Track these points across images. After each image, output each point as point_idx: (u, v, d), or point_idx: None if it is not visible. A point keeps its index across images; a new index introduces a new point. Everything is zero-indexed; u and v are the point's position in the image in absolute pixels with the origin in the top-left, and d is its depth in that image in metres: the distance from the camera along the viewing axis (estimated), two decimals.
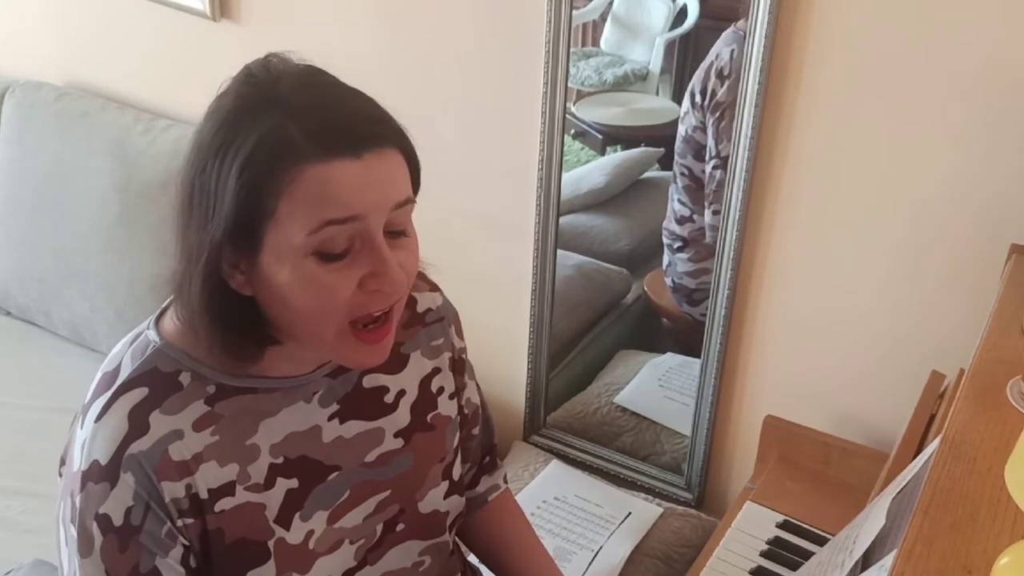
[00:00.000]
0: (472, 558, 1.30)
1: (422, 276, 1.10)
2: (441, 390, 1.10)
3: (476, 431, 1.20)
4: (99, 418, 0.90)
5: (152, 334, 0.94)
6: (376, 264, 0.86)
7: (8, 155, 2.19)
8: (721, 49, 1.64)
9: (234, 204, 0.82)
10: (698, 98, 1.69)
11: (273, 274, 0.85)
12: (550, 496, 1.78)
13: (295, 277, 0.85)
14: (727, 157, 1.54)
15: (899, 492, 0.97)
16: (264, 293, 0.87)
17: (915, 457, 1.14)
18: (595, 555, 1.64)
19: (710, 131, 1.69)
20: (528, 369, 1.92)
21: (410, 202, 0.88)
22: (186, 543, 0.92)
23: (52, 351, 2.14)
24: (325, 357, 0.97)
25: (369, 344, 0.91)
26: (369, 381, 1.03)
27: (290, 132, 0.82)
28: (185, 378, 0.92)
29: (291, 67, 0.88)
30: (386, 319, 0.91)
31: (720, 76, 1.64)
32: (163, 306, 0.98)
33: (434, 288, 1.13)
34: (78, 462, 0.90)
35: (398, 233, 0.89)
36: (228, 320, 0.88)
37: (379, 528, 1.05)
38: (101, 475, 0.88)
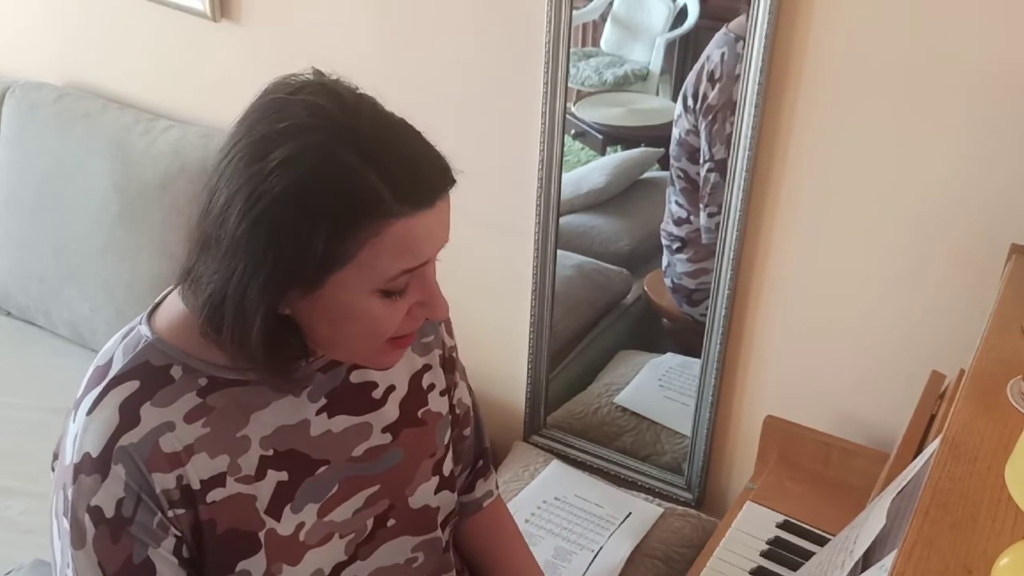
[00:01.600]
0: None
1: None
2: (432, 387, 1.11)
3: (468, 432, 1.21)
4: (90, 411, 0.91)
5: (144, 329, 0.95)
6: (427, 296, 0.91)
7: (8, 155, 2.19)
8: (712, 52, 1.64)
9: (316, 254, 0.83)
10: (690, 101, 1.69)
11: (328, 307, 0.87)
12: (550, 496, 1.78)
13: (354, 312, 0.88)
14: (722, 160, 1.54)
15: (899, 492, 0.97)
16: (312, 317, 0.89)
17: (915, 457, 1.14)
18: (595, 555, 1.64)
19: (703, 135, 1.69)
20: (528, 369, 1.92)
21: None
22: (178, 533, 0.93)
23: (52, 351, 2.14)
24: (345, 362, 1.01)
25: (397, 349, 0.96)
26: (357, 376, 1.03)
27: (374, 186, 0.83)
28: (176, 372, 0.93)
29: (358, 101, 0.87)
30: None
31: (711, 79, 1.64)
32: (156, 301, 0.98)
33: None
34: (70, 455, 0.91)
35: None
36: (277, 344, 0.90)
37: (370, 523, 1.05)
38: (92, 467, 0.89)
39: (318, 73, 0.89)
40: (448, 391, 1.14)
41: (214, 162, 0.88)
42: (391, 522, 1.07)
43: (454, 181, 0.89)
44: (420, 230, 0.86)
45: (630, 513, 1.73)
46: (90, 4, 2.19)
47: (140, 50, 2.17)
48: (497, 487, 1.29)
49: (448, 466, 1.13)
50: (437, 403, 1.11)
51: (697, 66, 1.67)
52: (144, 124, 2.09)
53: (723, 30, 1.60)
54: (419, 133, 0.90)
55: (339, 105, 0.85)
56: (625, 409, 1.93)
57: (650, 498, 1.79)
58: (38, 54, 2.33)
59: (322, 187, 0.82)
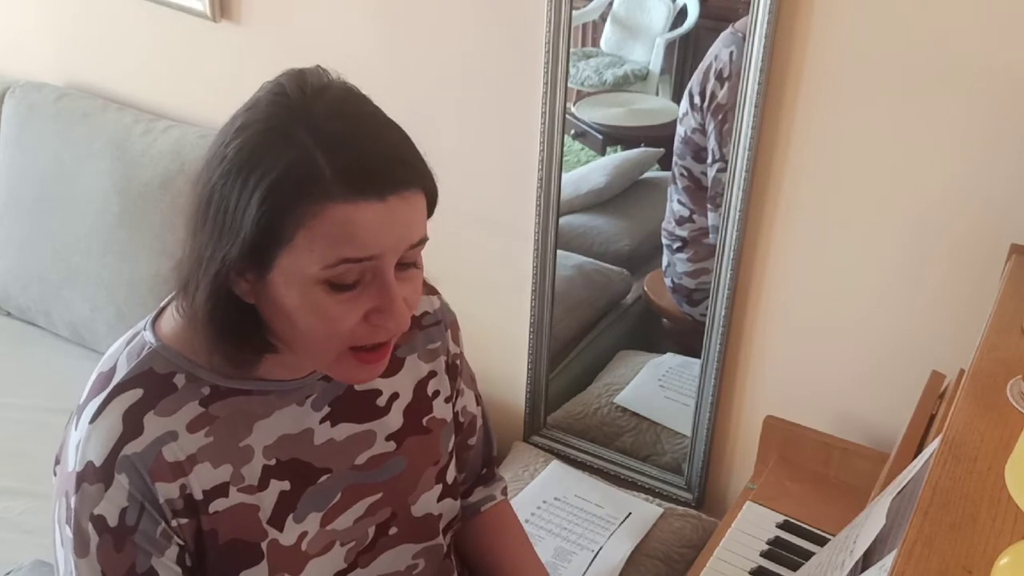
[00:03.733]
0: None
1: None
2: (437, 393, 1.10)
3: (473, 441, 1.20)
4: (94, 419, 0.90)
5: (148, 335, 0.94)
6: (383, 301, 0.87)
7: (8, 155, 2.19)
8: (720, 51, 1.64)
9: (252, 226, 0.82)
10: (697, 100, 1.69)
11: (281, 294, 0.86)
12: (550, 496, 1.78)
13: (302, 302, 0.85)
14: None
15: (899, 492, 0.97)
16: (268, 307, 0.88)
17: (915, 457, 1.14)
18: (595, 555, 1.64)
19: (712, 134, 1.68)
20: (528, 369, 1.92)
21: (424, 241, 0.89)
22: (181, 543, 0.92)
23: (52, 351, 2.14)
24: (313, 368, 0.98)
25: (365, 364, 0.91)
26: (362, 384, 1.03)
27: (319, 165, 0.81)
28: (180, 380, 0.92)
29: (327, 87, 0.86)
30: (384, 345, 0.92)
31: (720, 78, 1.64)
32: (160, 306, 0.98)
33: (432, 291, 1.12)
34: (73, 463, 0.90)
35: (408, 265, 0.89)
36: (230, 327, 0.88)
37: (371, 531, 1.05)
38: (95, 476, 0.89)
39: (316, 66, 0.88)
40: (452, 398, 1.13)
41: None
42: (393, 530, 1.07)
43: (419, 180, 0.86)
44: (364, 220, 0.82)
45: (630, 513, 1.73)
46: (90, 4, 2.19)
47: (140, 50, 2.17)
48: (504, 493, 1.27)
49: (452, 474, 1.12)
50: (441, 410, 1.10)
51: (703, 65, 1.67)
52: (144, 124, 2.09)
53: (729, 29, 1.60)
54: (396, 128, 0.87)
55: (300, 87, 0.85)
56: (625, 409, 1.93)
57: (650, 498, 1.79)
58: (38, 54, 2.33)
59: (265, 158, 0.82)
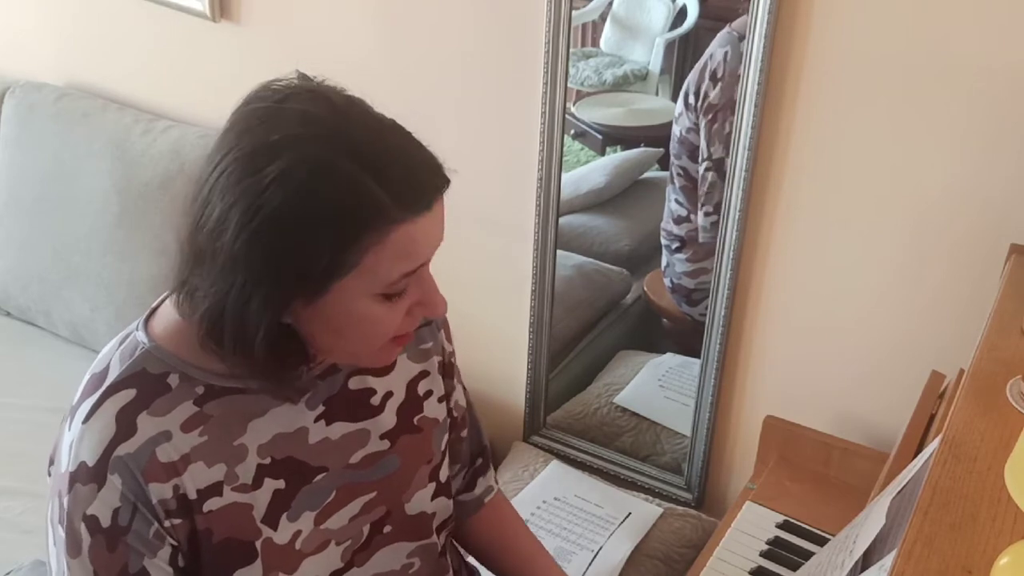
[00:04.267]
0: (472, 559, 1.30)
1: None
2: (429, 393, 1.10)
3: (464, 433, 1.20)
4: (87, 419, 0.90)
5: (141, 336, 0.94)
6: (426, 295, 0.92)
7: (8, 155, 2.19)
8: (715, 50, 1.64)
9: (316, 267, 0.83)
10: (692, 99, 1.69)
11: (331, 314, 0.87)
12: (550, 496, 1.78)
13: (357, 316, 0.88)
14: (719, 159, 1.54)
15: (899, 492, 0.97)
16: (313, 324, 0.89)
17: (915, 457, 1.14)
18: (595, 555, 1.64)
19: (702, 133, 1.69)
20: (528, 369, 1.92)
21: None
22: (174, 543, 0.92)
23: (52, 352, 2.14)
24: (345, 364, 1.01)
25: (397, 347, 0.96)
26: (355, 383, 1.03)
27: (375, 194, 0.82)
28: (174, 380, 0.92)
29: (347, 105, 0.86)
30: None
31: (713, 78, 1.64)
32: (152, 307, 0.98)
33: None
34: (66, 463, 0.90)
35: None
36: (280, 354, 0.89)
37: (366, 529, 1.05)
38: (88, 477, 0.89)
39: (303, 77, 0.87)
40: (446, 397, 1.13)
41: (201, 173, 0.85)
42: (387, 528, 1.07)
43: (449, 181, 0.88)
44: (419, 234, 0.86)
45: (630, 513, 1.73)
46: (90, 4, 2.19)
47: (140, 50, 2.17)
48: (496, 482, 1.28)
49: (445, 473, 1.13)
50: (434, 409, 1.11)
51: (699, 64, 1.67)
52: (144, 124, 2.09)
53: (726, 29, 1.60)
54: (410, 134, 0.89)
55: (330, 111, 0.84)
56: (625, 409, 1.93)
57: (650, 498, 1.79)
58: (38, 54, 2.33)
59: (322, 199, 0.81)
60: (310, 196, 0.81)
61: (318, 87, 0.87)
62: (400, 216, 0.83)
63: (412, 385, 1.08)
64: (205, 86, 2.10)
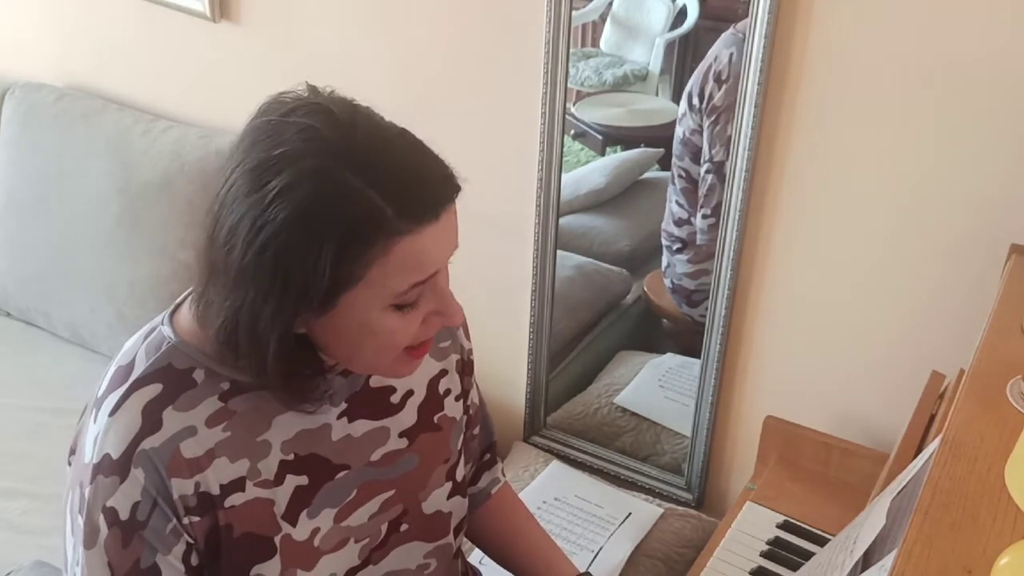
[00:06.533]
0: (472, 559, 1.31)
1: None
2: (448, 392, 1.11)
3: (476, 431, 1.21)
4: (113, 412, 0.91)
5: (167, 330, 0.95)
6: (441, 304, 0.91)
7: (8, 156, 2.19)
8: (720, 52, 1.64)
9: (324, 281, 0.83)
10: (695, 101, 1.69)
11: (343, 325, 0.87)
12: (550, 497, 1.78)
13: (370, 327, 0.88)
14: (720, 162, 1.53)
15: (899, 492, 0.97)
16: (327, 336, 0.89)
17: (915, 457, 1.14)
18: (595, 555, 1.64)
19: (705, 135, 1.68)
20: (528, 370, 1.92)
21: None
22: (190, 540, 0.93)
23: (52, 352, 2.14)
24: (362, 373, 1.01)
25: (416, 359, 0.95)
26: (376, 381, 1.03)
27: (379, 207, 0.82)
28: (199, 375, 0.93)
29: (352, 116, 0.85)
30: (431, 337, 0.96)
31: (718, 80, 1.64)
32: (177, 301, 0.98)
33: None
34: (89, 454, 0.91)
35: None
36: (294, 366, 0.90)
37: (384, 528, 1.05)
38: (111, 469, 0.89)
39: (312, 89, 0.87)
40: (464, 395, 1.14)
41: (215, 186, 0.86)
42: (404, 527, 1.07)
43: (459, 189, 0.87)
44: (427, 244, 0.85)
45: (630, 513, 1.73)
46: (90, 5, 2.19)
47: (140, 50, 2.17)
48: (503, 474, 1.29)
49: (461, 472, 1.13)
50: (452, 408, 1.11)
51: (703, 65, 1.67)
52: (144, 124, 2.09)
53: (731, 30, 1.60)
54: (419, 142, 0.88)
55: (333, 125, 0.83)
56: (625, 409, 1.93)
57: (650, 498, 1.79)
58: (38, 55, 2.33)
59: (324, 213, 0.81)
60: (311, 211, 0.81)
61: (324, 99, 0.86)
62: (404, 228, 0.83)
63: (433, 383, 1.09)
64: (205, 86, 2.11)
